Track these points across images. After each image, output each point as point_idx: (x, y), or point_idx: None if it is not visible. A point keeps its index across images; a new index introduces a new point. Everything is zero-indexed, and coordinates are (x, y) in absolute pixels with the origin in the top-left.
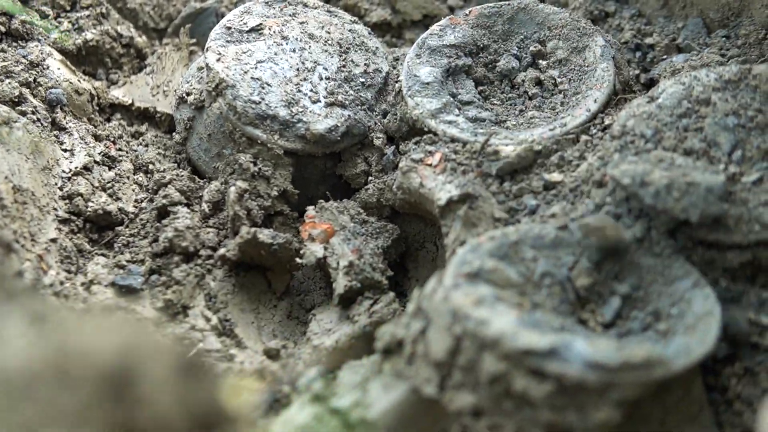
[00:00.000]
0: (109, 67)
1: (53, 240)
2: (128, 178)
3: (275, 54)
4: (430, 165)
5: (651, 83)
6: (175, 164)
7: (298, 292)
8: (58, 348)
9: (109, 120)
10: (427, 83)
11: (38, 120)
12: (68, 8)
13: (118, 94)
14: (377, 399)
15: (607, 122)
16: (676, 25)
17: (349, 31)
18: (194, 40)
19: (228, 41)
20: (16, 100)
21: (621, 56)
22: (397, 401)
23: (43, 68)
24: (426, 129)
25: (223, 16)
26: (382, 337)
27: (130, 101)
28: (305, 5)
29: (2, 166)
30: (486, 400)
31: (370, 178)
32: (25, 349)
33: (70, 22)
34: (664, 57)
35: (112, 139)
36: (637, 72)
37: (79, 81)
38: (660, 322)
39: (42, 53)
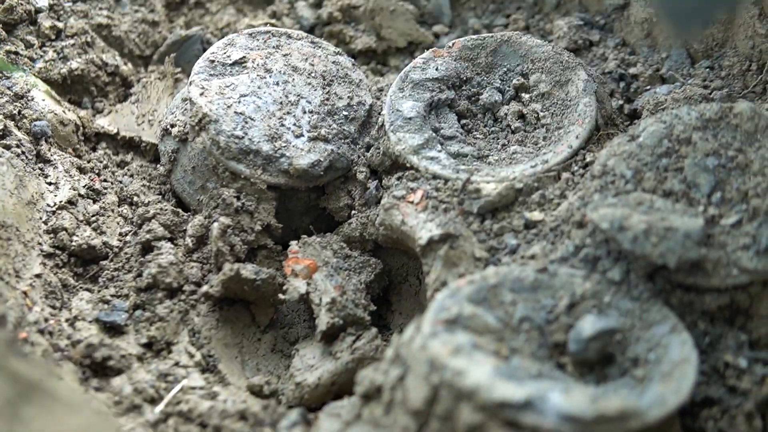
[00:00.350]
0: (94, 95)
1: (38, 275)
2: (113, 210)
3: (258, 87)
4: (411, 202)
5: (634, 114)
6: (160, 195)
7: (282, 324)
8: None
9: (94, 149)
10: (410, 118)
11: (23, 153)
12: (53, 37)
13: (103, 123)
14: None
15: (588, 159)
16: (660, 55)
17: (333, 62)
18: (179, 69)
19: (211, 75)
20: (1, 133)
21: (603, 90)
22: None
23: (28, 100)
24: (408, 165)
25: (209, 43)
26: (362, 383)
27: (115, 130)
28: (289, 36)
29: None
30: None
31: (353, 211)
32: None
33: (55, 51)
34: (648, 87)
35: (96, 171)
36: (620, 102)
37: (64, 112)
38: (638, 368)
39: (27, 84)
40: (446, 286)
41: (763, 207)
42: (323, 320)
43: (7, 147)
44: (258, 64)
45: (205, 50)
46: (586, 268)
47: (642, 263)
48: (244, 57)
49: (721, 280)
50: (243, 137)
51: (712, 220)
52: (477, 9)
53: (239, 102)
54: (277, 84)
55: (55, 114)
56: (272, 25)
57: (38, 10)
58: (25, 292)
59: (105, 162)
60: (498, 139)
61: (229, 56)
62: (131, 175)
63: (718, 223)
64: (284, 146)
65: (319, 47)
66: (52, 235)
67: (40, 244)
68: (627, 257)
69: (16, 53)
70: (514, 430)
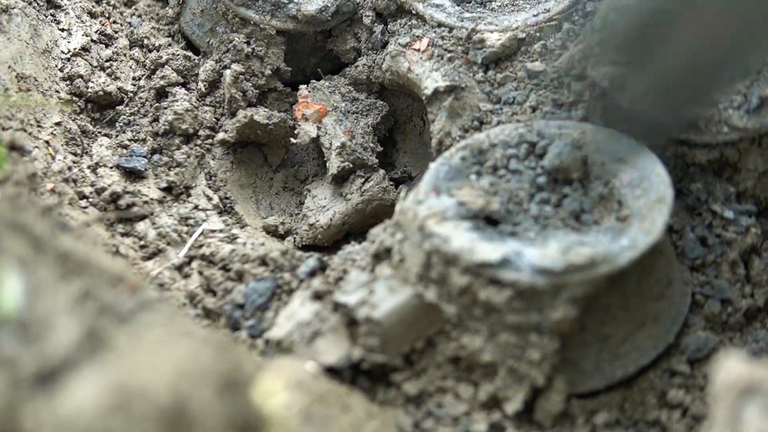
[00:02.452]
0: None
1: (58, 123)
2: (125, 55)
3: None
4: (417, 50)
5: None
6: (170, 38)
7: (292, 163)
8: (121, 389)
9: None
10: None
11: (34, 0)
12: None
13: None
14: (383, 300)
15: (589, 9)
16: None
17: None
18: None
19: None
20: None
21: None
22: (401, 303)
23: None
24: (413, 11)
25: None
26: (373, 242)
27: None
28: None
29: (5, 56)
30: (460, 309)
31: (359, 55)
32: (89, 391)
33: None
34: None
35: (107, 14)
36: None
37: None
38: (622, 208)
39: None
40: (449, 135)
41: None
42: (334, 164)
43: None
44: None
45: None
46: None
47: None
48: None
49: (713, 136)
50: None
51: None
52: None
53: None
54: None
55: None
56: None
57: None
58: (47, 141)
59: (113, 2)
60: None
61: None
62: (139, 16)
63: None
64: None
65: None
66: (68, 83)
67: (57, 92)
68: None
69: None
70: (497, 287)
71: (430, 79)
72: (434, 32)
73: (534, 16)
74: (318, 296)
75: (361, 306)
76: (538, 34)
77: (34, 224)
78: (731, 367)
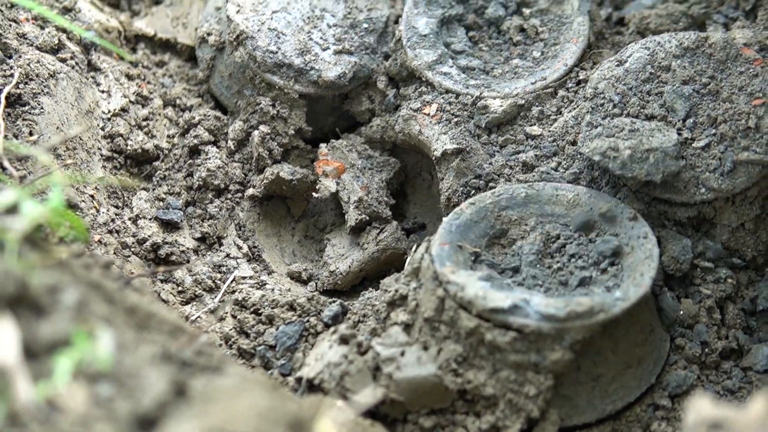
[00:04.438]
0: None
1: (101, 178)
2: (159, 114)
3: (288, 3)
4: (427, 114)
5: (621, 22)
6: (200, 98)
7: (312, 213)
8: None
9: (134, 50)
10: (425, 35)
11: (77, 65)
12: None
13: (141, 25)
14: (408, 366)
15: (581, 77)
16: None
17: None
18: None
19: None
20: (56, 47)
21: (595, 8)
22: (422, 377)
23: (76, 12)
24: (423, 78)
25: None
26: (387, 290)
27: (152, 32)
28: None
29: (53, 118)
30: (467, 348)
31: (373, 116)
32: None
33: None
34: None
35: (142, 77)
36: (609, 11)
37: (107, 19)
38: (618, 266)
39: None
40: (456, 192)
41: (728, 132)
42: (352, 216)
43: (63, 60)
44: None
45: None
46: (576, 182)
47: (631, 182)
48: None
49: (691, 196)
50: (277, 52)
51: (685, 143)
52: None
53: (272, 18)
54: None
55: (101, 23)
56: None
57: None
58: (92, 195)
59: (146, 63)
60: (502, 51)
61: None
62: (170, 76)
63: (691, 146)
64: (313, 59)
65: None
66: (109, 140)
67: (99, 149)
68: (618, 177)
69: None
70: (505, 331)
71: (439, 141)
72: (442, 98)
73: (532, 83)
74: (344, 340)
75: (389, 362)
76: (535, 101)
77: (104, 281)
78: (701, 406)
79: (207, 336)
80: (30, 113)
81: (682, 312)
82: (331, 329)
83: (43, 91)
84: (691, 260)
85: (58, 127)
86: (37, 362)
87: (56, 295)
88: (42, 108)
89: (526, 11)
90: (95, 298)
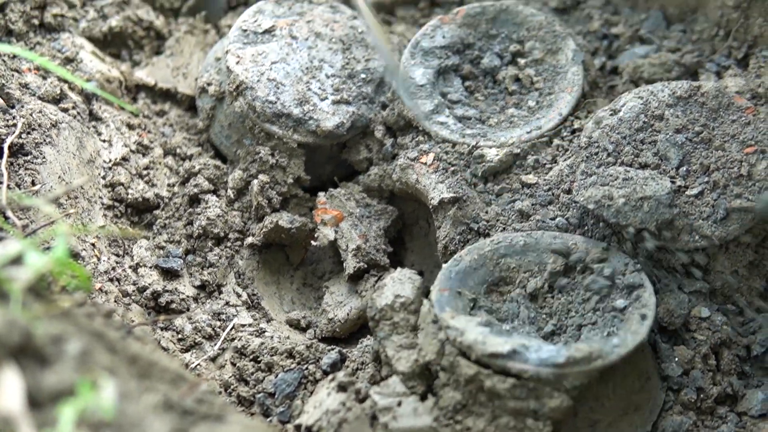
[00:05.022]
0: (132, 49)
1: (102, 227)
2: (160, 163)
3: (287, 54)
4: (424, 163)
5: (615, 71)
6: (200, 147)
7: (311, 261)
8: None
9: (135, 100)
10: (422, 85)
11: (78, 114)
12: None
13: (141, 75)
14: (404, 417)
15: (576, 126)
16: (639, 16)
17: (350, 27)
18: (209, 25)
19: (245, 43)
20: (58, 97)
21: (589, 57)
22: (419, 428)
23: (78, 62)
24: (420, 128)
25: None
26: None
27: (153, 82)
28: (311, 1)
29: (56, 168)
30: (466, 395)
31: (371, 165)
32: None
33: (95, 10)
34: (628, 47)
35: (143, 126)
36: (603, 60)
37: (109, 70)
38: (616, 317)
39: (74, 46)
40: (453, 240)
41: (721, 180)
42: (350, 264)
43: (65, 110)
44: (285, 32)
45: (228, 2)
46: (571, 230)
47: (626, 230)
48: (273, 25)
49: (685, 243)
50: (276, 102)
51: (679, 191)
52: None
53: (271, 69)
54: (303, 50)
55: (102, 73)
56: None
57: None
58: (93, 244)
59: (146, 112)
60: (497, 100)
61: (259, 25)
62: (171, 125)
63: (684, 194)
64: (312, 109)
65: (338, 11)
66: (110, 189)
67: (101, 198)
68: (612, 225)
69: (62, 15)
70: (504, 377)
71: (436, 190)
72: (439, 147)
73: (528, 132)
74: (343, 387)
75: (386, 412)
76: (531, 150)
77: (106, 330)
78: None
79: (207, 384)
80: (32, 163)
81: (677, 359)
82: (330, 377)
83: (45, 140)
84: (686, 315)
85: (60, 177)
86: (41, 411)
87: (60, 345)
88: (44, 157)
89: (522, 61)
90: (98, 347)
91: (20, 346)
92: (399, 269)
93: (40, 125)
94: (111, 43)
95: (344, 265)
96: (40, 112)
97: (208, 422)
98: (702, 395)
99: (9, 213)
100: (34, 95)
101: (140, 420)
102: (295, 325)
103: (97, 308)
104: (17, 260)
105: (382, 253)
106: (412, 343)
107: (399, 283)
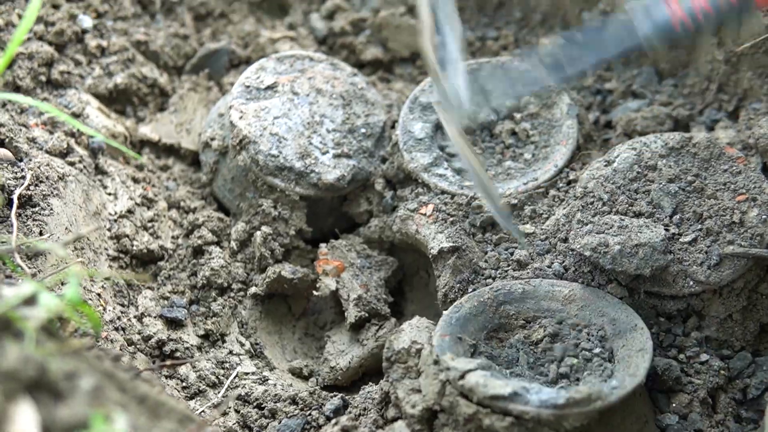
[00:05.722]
0: (136, 105)
1: (107, 278)
2: (164, 216)
3: (289, 110)
4: (424, 214)
5: (609, 125)
6: (203, 200)
7: (313, 312)
8: None
9: (139, 154)
10: (420, 139)
11: (85, 168)
12: (99, 55)
13: (146, 131)
14: None
15: (571, 177)
16: (632, 72)
17: (351, 83)
18: (212, 82)
19: (248, 99)
20: (65, 151)
21: (583, 111)
22: None
23: (84, 118)
24: (420, 180)
25: (233, 53)
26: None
27: (157, 138)
28: (311, 59)
29: (62, 219)
30: None
31: (372, 217)
32: None
33: (101, 67)
34: (621, 101)
35: (148, 180)
36: (597, 114)
37: (114, 125)
38: (612, 361)
39: (81, 102)
40: (453, 289)
41: (714, 227)
42: (352, 314)
43: (72, 164)
44: (287, 88)
45: (230, 61)
46: (568, 277)
47: (622, 276)
48: (275, 82)
49: (679, 289)
50: (278, 155)
51: (673, 238)
52: (471, 22)
53: (273, 124)
54: (304, 105)
55: (107, 128)
56: (290, 38)
57: (84, 31)
58: (99, 294)
59: (151, 167)
60: (494, 153)
61: (261, 81)
62: (174, 179)
63: (678, 241)
64: (313, 163)
65: (338, 69)
66: (115, 241)
67: (106, 249)
68: (608, 272)
69: (68, 72)
70: (502, 417)
71: (436, 240)
72: (438, 199)
73: (524, 184)
74: (346, 431)
75: None
76: (528, 201)
77: (116, 371)
78: None
79: (213, 428)
80: (40, 214)
81: (675, 404)
82: (333, 421)
83: (52, 192)
84: (677, 377)
85: (66, 228)
86: None
87: (73, 380)
88: (52, 209)
89: (517, 116)
90: (109, 385)
91: (35, 381)
92: (417, 317)
93: (47, 178)
94: (116, 100)
95: (346, 314)
96: (48, 165)
97: None
98: None
99: (18, 260)
100: (41, 149)
101: None
102: (297, 373)
103: (106, 352)
104: (30, 301)
105: (383, 303)
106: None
107: (417, 330)
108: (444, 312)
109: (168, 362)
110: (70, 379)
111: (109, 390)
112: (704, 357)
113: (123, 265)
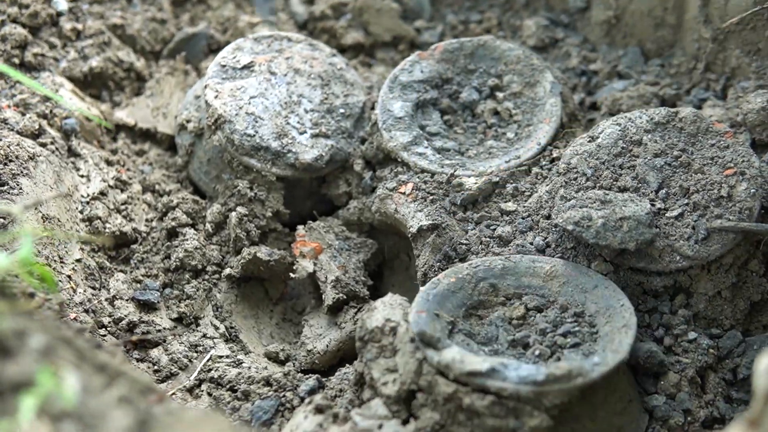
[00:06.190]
0: (112, 90)
1: (78, 260)
2: (138, 199)
3: (266, 89)
4: (403, 193)
5: (594, 106)
6: (179, 183)
7: (290, 297)
8: None
9: (114, 139)
10: (400, 118)
11: (57, 149)
12: (74, 38)
13: (122, 115)
14: None
15: (554, 155)
16: (617, 52)
17: (329, 64)
18: (189, 66)
19: (224, 78)
20: (37, 132)
21: (567, 89)
22: None
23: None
24: (399, 159)
25: (212, 38)
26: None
27: (133, 122)
28: (289, 39)
29: (31, 199)
30: (444, 415)
31: (350, 199)
32: None
33: (76, 50)
34: (606, 83)
35: (122, 163)
36: (582, 96)
37: (88, 108)
38: (594, 331)
39: (55, 84)
40: (432, 267)
41: (701, 202)
42: (329, 296)
43: (43, 144)
44: (264, 68)
45: (209, 45)
46: (551, 254)
47: (606, 251)
48: (252, 61)
49: (666, 265)
50: (254, 135)
51: (659, 213)
52: (454, 5)
53: (249, 103)
54: (282, 85)
55: (81, 111)
56: (269, 23)
57: (59, 14)
58: (69, 276)
59: (126, 152)
60: (476, 133)
61: (238, 61)
62: (150, 164)
63: (664, 215)
64: (290, 143)
65: (317, 49)
66: (87, 223)
67: (78, 231)
68: (592, 248)
69: (42, 55)
70: (483, 395)
71: (415, 218)
72: (418, 177)
73: (506, 162)
74: (319, 410)
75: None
76: (510, 178)
77: (75, 339)
78: None
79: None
80: (9, 193)
81: (662, 382)
82: (307, 400)
83: (22, 172)
84: (660, 361)
85: (36, 208)
86: (1, 401)
87: (23, 338)
88: (21, 188)
89: (500, 95)
90: (64, 348)
91: None
92: (390, 294)
93: (17, 157)
94: (91, 84)
95: (323, 296)
96: (18, 145)
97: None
98: (689, 418)
99: None
100: (12, 130)
101: (102, 413)
102: (273, 358)
103: (69, 326)
104: None
105: (362, 285)
106: (397, 366)
107: (390, 308)
108: (421, 288)
109: (135, 337)
110: (19, 337)
111: (64, 352)
112: (692, 335)
113: (95, 248)
